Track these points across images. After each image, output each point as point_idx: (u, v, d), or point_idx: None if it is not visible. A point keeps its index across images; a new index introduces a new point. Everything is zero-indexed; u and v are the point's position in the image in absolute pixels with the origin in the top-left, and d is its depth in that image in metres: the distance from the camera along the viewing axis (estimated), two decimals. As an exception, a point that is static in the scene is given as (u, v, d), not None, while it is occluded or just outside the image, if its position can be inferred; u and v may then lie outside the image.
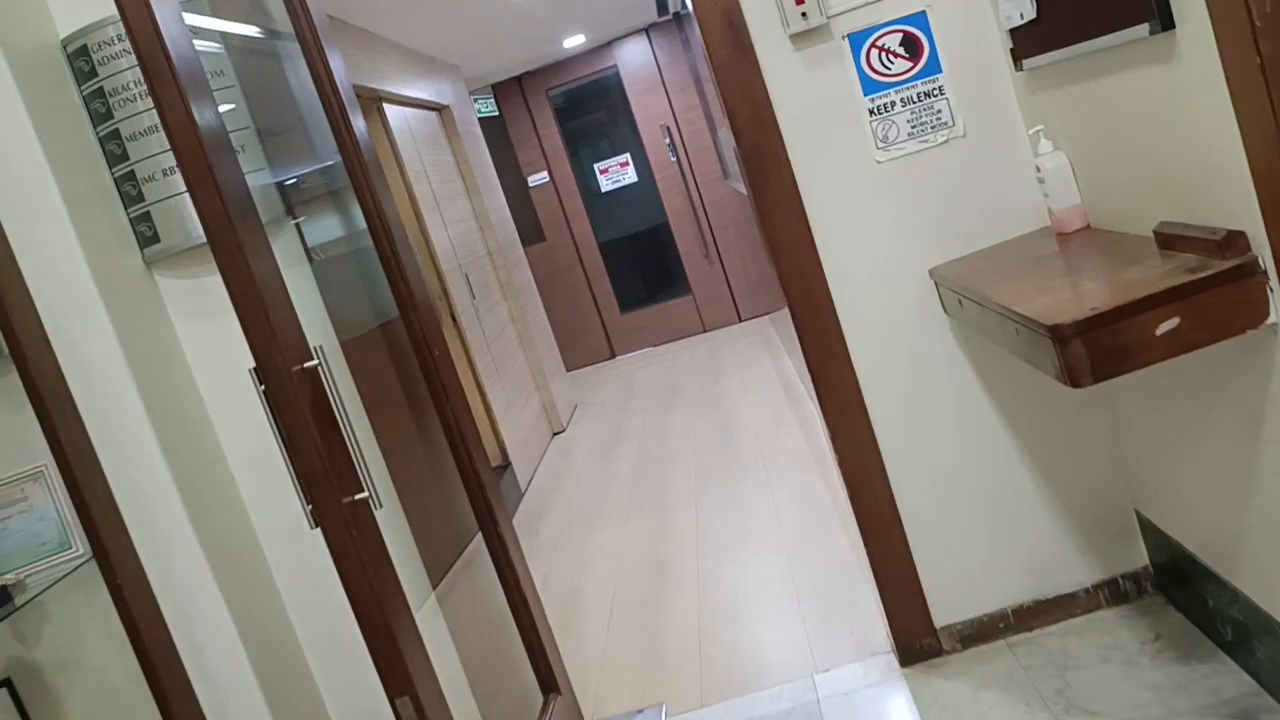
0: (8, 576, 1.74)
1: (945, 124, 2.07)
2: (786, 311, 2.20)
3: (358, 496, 1.51)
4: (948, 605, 2.26)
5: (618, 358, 7.30)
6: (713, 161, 6.93)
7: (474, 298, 4.76)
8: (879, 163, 2.10)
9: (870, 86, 2.07)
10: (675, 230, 7.10)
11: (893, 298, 2.14)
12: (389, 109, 4.32)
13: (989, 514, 2.22)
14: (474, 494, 2.28)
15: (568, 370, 7.29)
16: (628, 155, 7.11)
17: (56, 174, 1.68)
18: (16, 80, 1.66)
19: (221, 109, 1.60)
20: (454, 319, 4.44)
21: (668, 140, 6.92)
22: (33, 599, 1.72)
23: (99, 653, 1.82)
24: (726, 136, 6.62)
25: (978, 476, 2.21)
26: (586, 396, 6.34)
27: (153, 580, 1.73)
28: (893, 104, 2.07)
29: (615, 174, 7.14)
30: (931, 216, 2.10)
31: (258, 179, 1.86)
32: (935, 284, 2.10)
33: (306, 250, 1.98)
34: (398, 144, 4.31)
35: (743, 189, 6.55)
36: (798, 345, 2.23)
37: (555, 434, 5.57)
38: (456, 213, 4.95)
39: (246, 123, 1.88)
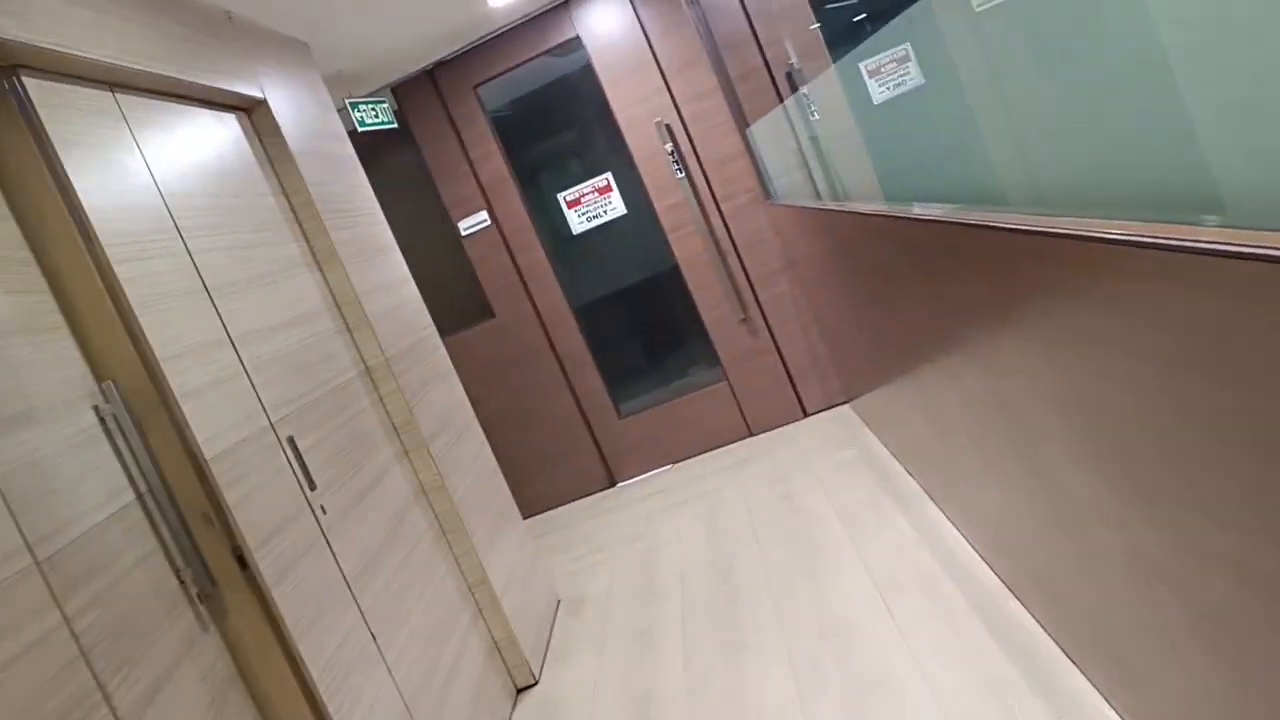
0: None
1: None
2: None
3: None
4: None
5: (620, 486, 4.77)
6: (745, 173, 4.44)
7: (311, 488, 2.23)
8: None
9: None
10: (692, 284, 4.59)
11: None
12: (45, 92, 1.82)
13: None
14: None
15: (536, 513, 4.77)
16: (608, 176, 4.62)
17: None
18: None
19: None
20: (245, 564, 1.91)
21: (669, 147, 4.44)
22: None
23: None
24: (774, 130, 4.15)
25: None
26: (574, 578, 3.79)
27: None
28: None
29: (592, 205, 4.65)
30: None
31: None
32: None
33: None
34: (79, 196, 1.80)
35: (803, 206, 4.06)
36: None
37: (522, 691, 3.02)
38: (275, 312, 2.44)
39: None
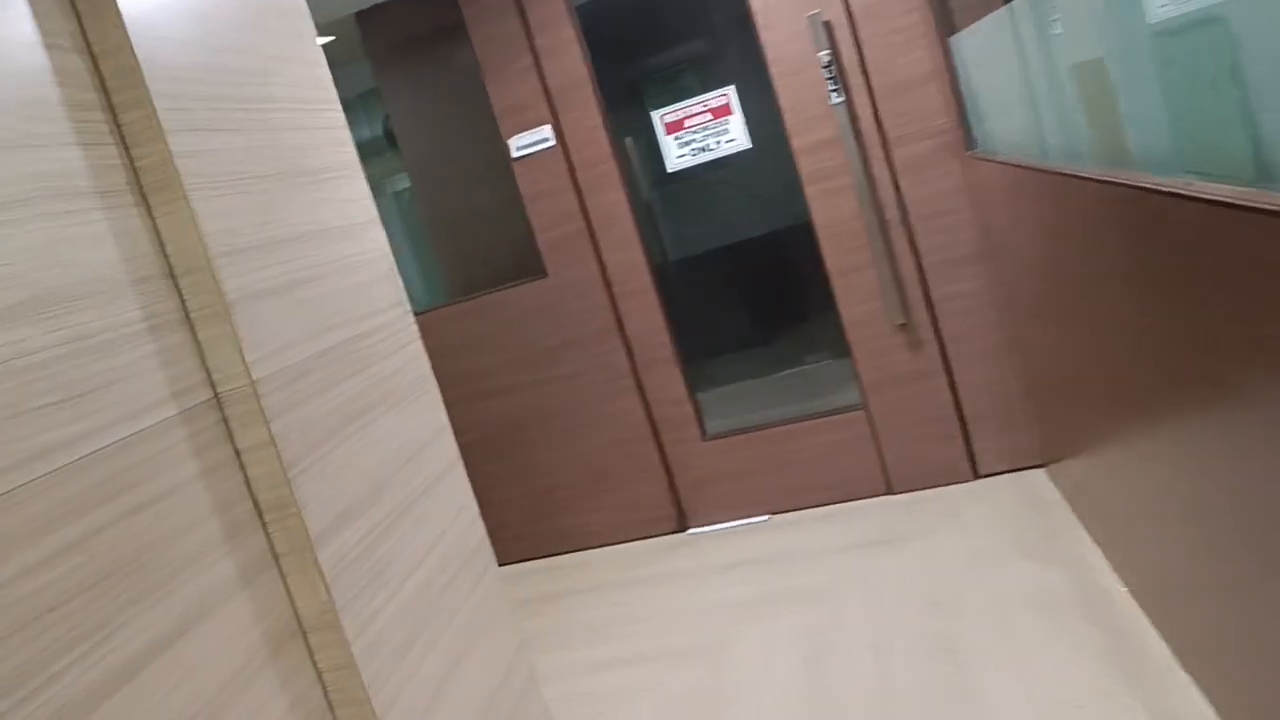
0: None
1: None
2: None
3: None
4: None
5: (692, 533, 3.41)
6: (937, 106, 2.94)
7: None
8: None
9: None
10: (831, 262, 3.14)
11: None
12: None
13: None
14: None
15: (564, 552, 3.48)
16: (728, 92, 3.18)
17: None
18: None
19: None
20: None
21: (826, 55, 2.97)
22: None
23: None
24: (994, 43, 2.61)
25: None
26: (584, 714, 2.48)
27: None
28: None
29: (701, 131, 3.22)
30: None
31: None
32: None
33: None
34: None
35: (1022, 165, 2.40)
36: None
37: None
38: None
39: None
